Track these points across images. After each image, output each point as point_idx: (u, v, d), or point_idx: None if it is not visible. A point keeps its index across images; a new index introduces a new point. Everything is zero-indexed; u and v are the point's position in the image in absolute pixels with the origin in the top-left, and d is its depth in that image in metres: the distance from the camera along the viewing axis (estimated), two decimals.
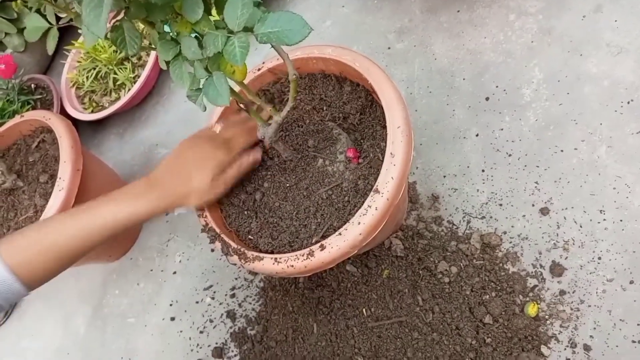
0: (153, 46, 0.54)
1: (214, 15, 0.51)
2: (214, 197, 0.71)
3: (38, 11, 0.65)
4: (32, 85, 1.53)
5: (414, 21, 1.13)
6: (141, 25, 0.53)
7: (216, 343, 1.01)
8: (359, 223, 0.62)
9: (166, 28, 0.52)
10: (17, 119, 1.12)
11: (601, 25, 0.92)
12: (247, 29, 0.47)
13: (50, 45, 0.49)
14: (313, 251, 0.63)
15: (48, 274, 0.66)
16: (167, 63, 0.54)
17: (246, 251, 0.69)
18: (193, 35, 0.51)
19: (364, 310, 0.88)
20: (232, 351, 0.99)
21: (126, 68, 1.39)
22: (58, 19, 0.52)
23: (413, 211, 0.94)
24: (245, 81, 0.81)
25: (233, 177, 0.71)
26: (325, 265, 0.64)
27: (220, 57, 0.50)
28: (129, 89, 1.37)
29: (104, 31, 0.41)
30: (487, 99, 0.96)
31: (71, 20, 0.50)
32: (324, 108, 0.78)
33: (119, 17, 0.49)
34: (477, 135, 0.95)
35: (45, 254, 0.65)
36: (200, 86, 0.53)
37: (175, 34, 0.50)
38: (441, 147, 0.97)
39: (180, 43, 0.51)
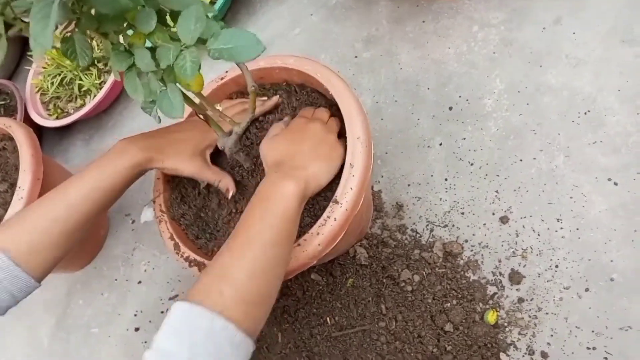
0: (108, 56, 0.54)
1: (171, 26, 0.51)
2: (183, 172, 0.74)
3: None
4: None
5: (380, 31, 1.14)
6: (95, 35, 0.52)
7: None
8: (318, 234, 0.62)
9: (120, 39, 0.52)
10: None
11: (561, 37, 0.94)
12: (203, 42, 0.47)
13: None
14: None
15: (55, 256, 0.66)
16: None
17: (206, 262, 0.68)
18: (148, 45, 0.50)
19: (328, 319, 0.88)
20: None
21: (92, 74, 1.37)
22: (8, 27, 0.51)
23: (378, 219, 0.95)
24: (208, 90, 0.81)
25: (211, 177, 0.74)
26: (285, 276, 0.64)
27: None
28: (95, 95, 1.34)
29: (51, 42, 0.41)
30: (450, 108, 0.98)
31: (21, 30, 0.49)
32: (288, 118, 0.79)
33: (69, 29, 0.48)
34: (440, 144, 0.96)
35: (49, 232, 0.63)
36: (155, 98, 0.52)
37: (127, 45, 0.50)
38: (406, 156, 0.98)
39: (134, 54, 0.51)
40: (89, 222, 0.68)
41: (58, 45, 0.52)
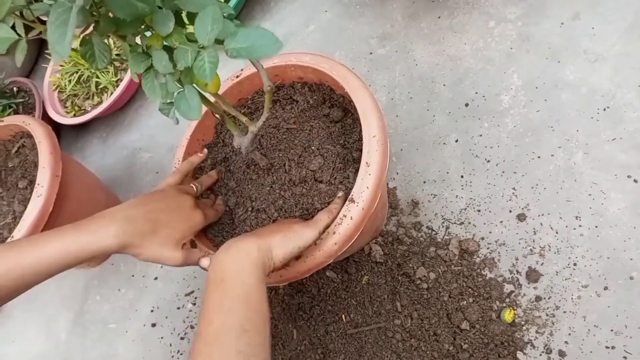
0: (126, 58, 0.54)
1: (188, 27, 0.51)
2: (166, 262, 0.62)
3: None
4: (14, 89, 1.51)
5: (395, 27, 1.13)
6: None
7: None
8: (334, 233, 0.62)
9: (138, 40, 0.52)
10: None
11: (579, 32, 0.93)
12: (219, 42, 0.47)
13: (19, 58, 0.49)
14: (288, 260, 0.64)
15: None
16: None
17: None
18: (165, 45, 0.50)
19: (343, 316, 0.88)
20: None
21: (109, 72, 1.38)
22: (28, 30, 0.52)
23: (393, 217, 0.95)
24: (224, 89, 0.82)
25: (195, 258, 0.64)
26: (301, 274, 0.64)
27: (192, 70, 0.50)
28: (112, 93, 1.36)
29: (69, 51, 0.41)
30: (466, 105, 0.97)
31: (40, 32, 0.49)
32: (305, 116, 0.79)
33: (88, 32, 0.49)
34: (456, 141, 0.95)
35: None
36: (173, 100, 0.52)
37: (145, 47, 0.50)
38: (421, 153, 0.98)
39: (151, 56, 0.51)
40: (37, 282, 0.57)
41: (76, 45, 0.52)
